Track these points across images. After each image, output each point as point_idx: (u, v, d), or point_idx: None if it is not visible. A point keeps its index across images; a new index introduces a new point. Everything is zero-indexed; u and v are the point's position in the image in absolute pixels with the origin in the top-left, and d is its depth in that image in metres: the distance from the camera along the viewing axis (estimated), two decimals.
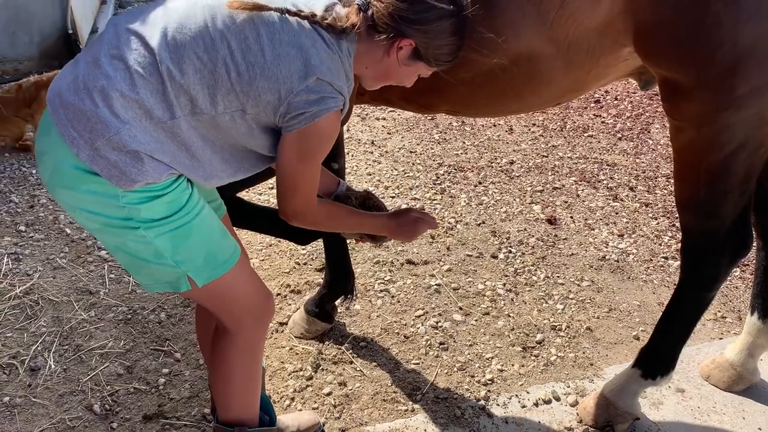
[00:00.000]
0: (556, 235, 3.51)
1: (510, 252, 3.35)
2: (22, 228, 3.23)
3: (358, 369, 2.57)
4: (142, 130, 1.45)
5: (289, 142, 1.55)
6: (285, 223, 2.18)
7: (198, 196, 1.62)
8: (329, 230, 1.97)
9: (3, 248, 3.07)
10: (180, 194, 1.56)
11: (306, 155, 1.58)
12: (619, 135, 4.68)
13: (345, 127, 4.55)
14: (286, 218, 1.72)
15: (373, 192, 2.48)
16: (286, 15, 1.49)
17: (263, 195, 3.68)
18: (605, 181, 4.07)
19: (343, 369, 2.57)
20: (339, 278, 2.65)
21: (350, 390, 2.47)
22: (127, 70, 1.44)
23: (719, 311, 3.00)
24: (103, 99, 1.43)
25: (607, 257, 3.35)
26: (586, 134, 4.68)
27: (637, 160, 4.34)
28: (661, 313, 2.26)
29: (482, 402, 2.44)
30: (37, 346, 2.55)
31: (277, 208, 1.72)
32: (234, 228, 2.03)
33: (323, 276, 2.73)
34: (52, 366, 2.48)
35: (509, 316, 2.90)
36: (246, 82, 1.46)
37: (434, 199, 3.77)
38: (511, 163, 4.24)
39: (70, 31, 4.78)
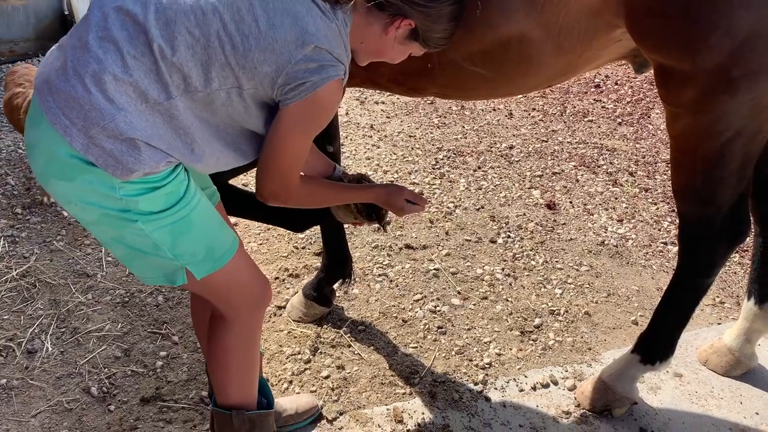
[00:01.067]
0: (555, 220, 3.50)
1: (509, 237, 3.34)
2: (19, 210, 3.21)
3: (356, 352, 2.57)
4: (138, 116, 1.41)
5: (288, 113, 1.50)
6: (279, 209, 2.14)
7: (195, 187, 1.59)
8: (313, 207, 1.94)
9: None
10: (178, 185, 1.53)
11: (304, 126, 1.53)
12: (619, 120, 4.66)
13: (342, 110, 4.53)
14: (262, 198, 1.64)
15: (371, 176, 2.46)
16: None
17: None
18: (605, 166, 4.05)
19: (342, 352, 2.57)
20: (337, 262, 2.64)
21: (348, 373, 2.47)
22: (118, 51, 1.39)
23: (717, 296, 3.00)
24: (96, 84, 1.38)
25: (606, 242, 3.34)
26: (585, 119, 4.66)
27: (637, 146, 4.32)
28: (659, 299, 2.25)
29: (480, 386, 2.44)
30: (34, 329, 2.54)
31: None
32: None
33: (321, 260, 2.72)
34: (49, 348, 2.47)
35: (507, 300, 2.90)
36: (241, 55, 1.42)
37: (433, 184, 3.76)
38: (511, 147, 4.22)
39: (66, 12, 4.74)
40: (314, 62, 1.45)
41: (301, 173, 1.71)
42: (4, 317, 2.59)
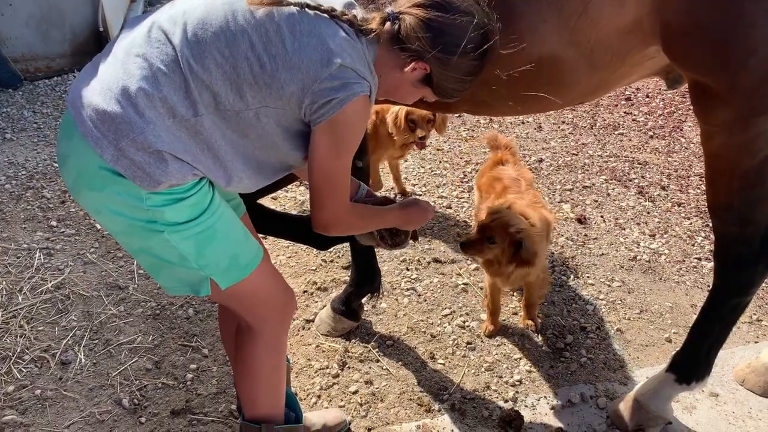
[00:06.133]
0: (586, 235, 3.45)
1: None
2: (54, 223, 3.28)
3: (384, 367, 2.56)
4: (166, 130, 1.45)
5: (321, 134, 1.53)
6: (304, 228, 2.14)
7: (219, 198, 1.62)
8: (361, 232, 1.95)
9: (35, 243, 3.11)
10: (203, 197, 1.56)
11: (339, 147, 1.56)
12: (651, 133, 4.60)
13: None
14: (323, 230, 1.68)
15: (394, 196, 2.45)
16: (305, 8, 1.49)
17: (290, 192, 3.68)
18: (636, 180, 3.99)
19: (370, 367, 2.56)
20: (366, 276, 2.63)
21: (377, 388, 2.46)
22: (150, 68, 1.44)
23: (755, 314, 2.92)
24: (127, 98, 1.43)
25: (638, 257, 3.29)
26: (616, 132, 4.61)
27: (669, 159, 4.25)
28: (693, 315, 2.21)
29: (510, 403, 2.41)
30: (68, 340, 2.58)
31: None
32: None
33: (350, 274, 2.72)
34: (83, 360, 2.50)
35: (538, 316, 2.86)
36: (269, 75, 1.45)
37: (461, 197, 3.74)
38: (540, 161, 4.19)
39: (101, 29, 4.85)
40: (338, 80, 1.47)
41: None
42: (39, 328, 2.64)
